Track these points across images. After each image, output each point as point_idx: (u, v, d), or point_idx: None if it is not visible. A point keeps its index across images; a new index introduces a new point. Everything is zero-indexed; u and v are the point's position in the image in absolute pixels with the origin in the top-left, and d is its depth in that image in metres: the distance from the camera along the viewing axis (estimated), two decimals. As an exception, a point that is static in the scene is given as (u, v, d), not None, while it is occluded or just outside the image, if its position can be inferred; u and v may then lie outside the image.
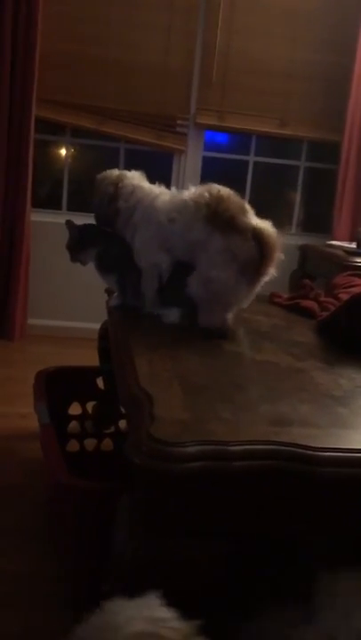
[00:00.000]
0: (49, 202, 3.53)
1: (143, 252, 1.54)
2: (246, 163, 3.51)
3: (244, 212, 1.45)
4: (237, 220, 1.42)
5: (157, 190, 1.57)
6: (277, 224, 1.47)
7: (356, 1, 3.22)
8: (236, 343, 1.41)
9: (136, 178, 1.59)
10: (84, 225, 1.64)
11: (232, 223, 1.42)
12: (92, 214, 1.64)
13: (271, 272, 1.44)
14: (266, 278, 1.45)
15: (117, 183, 1.57)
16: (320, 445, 0.86)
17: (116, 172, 1.62)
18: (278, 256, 1.43)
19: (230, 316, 1.50)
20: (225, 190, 1.47)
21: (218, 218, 1.42)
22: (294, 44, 3.30)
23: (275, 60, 3.29)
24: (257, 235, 1.42)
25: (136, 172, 1.62)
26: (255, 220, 1.45)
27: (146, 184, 1.60)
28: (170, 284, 1.52)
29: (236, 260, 1.41)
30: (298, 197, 3.56)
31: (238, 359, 1.29)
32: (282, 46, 3.29)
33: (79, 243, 1.62)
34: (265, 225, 1.44)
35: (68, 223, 1.63)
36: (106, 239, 1.61)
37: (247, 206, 1.47)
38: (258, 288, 1.48)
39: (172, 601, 0.88)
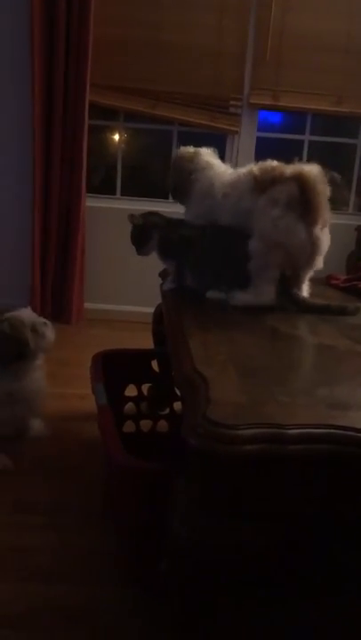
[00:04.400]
0: (103, 187, 3.56)
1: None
2: (301, 142, 3.43)
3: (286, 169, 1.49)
4: (279, 176, 1.47)
5: (223, 167, 1.70)
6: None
7: None
8: (291, 325, 1.39)
9: (208, 155, 1.73)
10: (144, 215, 1.66)
11: (274, 180, 1.47)
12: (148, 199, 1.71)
13: (321, 211, 1.45)
14: (319, 219, 1.45)
15: (193, 159, 1.70)
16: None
17: (191, 149, 1.75)
18: (323, 191, 1.45)
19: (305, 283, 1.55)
20: (275, 163, 1.53)
21: (262, 183, 1.49)
22: (351, 18, 3.19)
23: (331, 36, 3.20)
24: (296, 177, 1.44)
25: (208, 149, 1.75)
26: (296, 167, 1.48)
27: (216, 161, 1.72)
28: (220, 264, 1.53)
29: (278, 204, 1.44)
30: (355, 177, 3.47)
31: (295, 342, 1.28)
32: (338, 21, 3.19)
33: (142, 235, 1.65)
34: (305, 167, 1.46)
35: (131, 217, 1.65)
36: (165, 225, 1.64)
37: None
38: (318, 230, 1.46)
39: (223, 582, 0.89)
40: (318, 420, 0.87)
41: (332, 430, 0.85)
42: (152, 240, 1.63)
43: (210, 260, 1.55)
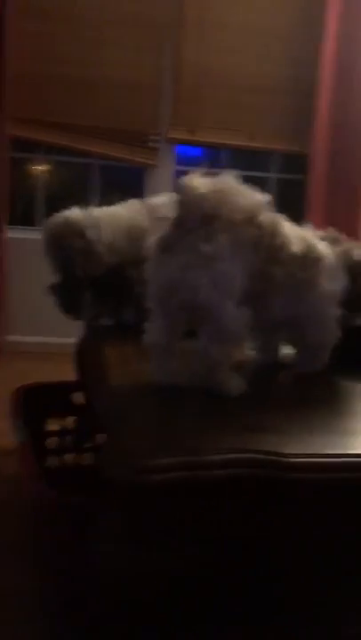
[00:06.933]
0: (25, 219, 3.54)
1: None
2: (218, 175, 3.55)
3: None
4: None
5: None
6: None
7: (318, 19, 3.31)
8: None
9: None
10: (64, 280, 1.61)
11: None
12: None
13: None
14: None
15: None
16: (291, 452, 0.89)
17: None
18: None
19: None
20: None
21: None
22: (261, 60, 3.37)
23: (243, 75, 3.36)
24: None
25: None
26: None
27: None
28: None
29: None
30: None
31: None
32: (250, 61, 3.36)
33: (69, 298, 1.61)
34: None
35: (50, 288, 1.61)
36: (95, 279, 1.61)
37: None
38: None
39: (155, 608, 0.90)
40: (235, 445, 0.90)
41: (248, 455, 0.88)
42: (83, 302, 1.60)
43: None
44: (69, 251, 1.54)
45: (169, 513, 0.85)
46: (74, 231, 1.56)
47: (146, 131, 3.37)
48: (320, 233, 1.29)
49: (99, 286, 1.59)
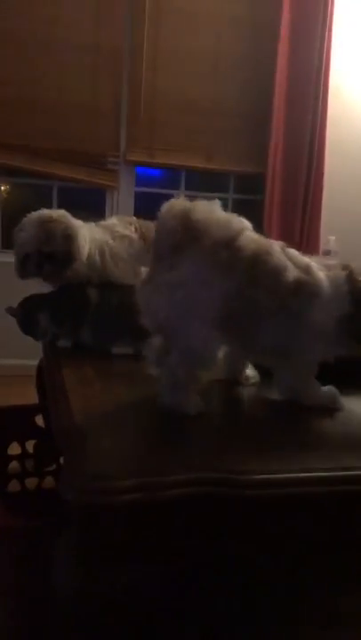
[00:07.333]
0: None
1: None
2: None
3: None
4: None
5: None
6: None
7: (271, 45, 3.41)
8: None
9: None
10: (21, 303, 1.63)
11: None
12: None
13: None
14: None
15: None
16: (246, 469, 0.90)
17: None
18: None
19: None
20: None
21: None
22: (216, 83, 3.46)
23: (198, 98, 3.44)
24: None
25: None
26: None
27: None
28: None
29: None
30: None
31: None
32: (205, 85, 3.44)
33: (29, 323, 1.61)
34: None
35: (9, 309, 1.61)
36: (53, 299, 1.62)
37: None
38: None
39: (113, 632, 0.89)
40: (193, 464, 0.91)
41: (204, 474, 0.89)
42: (41, 322, 1.58)
43: (110, 316, 1.55)
44: (54, 236, 1.58)
45: (127, 534, 0.85)
46: (65, 226, 1.60)
47: (105, 153, 3.40)
48: (330, 262, 1.22)
49: (56, 306, 1.59)
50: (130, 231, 1.74)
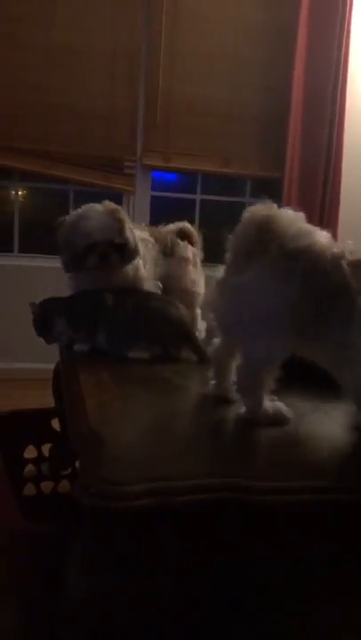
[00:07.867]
0: (1, 245, 3.54)
1: None
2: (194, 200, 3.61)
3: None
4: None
5: None
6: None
7: (288, 50, 3.40)
8: (186, 376, 1.44)
9: None
10: (41, 303, 1.62)
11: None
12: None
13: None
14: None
15: None
16: (260, 475, 0.90)
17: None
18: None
19: None
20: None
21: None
22: (233, 87, 3.45)
23: (215, 103, 3.44)
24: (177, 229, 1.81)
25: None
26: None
27: None
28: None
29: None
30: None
31: (188, 394, 1.33)
32: (222, 89, 3.44)
33: (44, 324, 1.60)
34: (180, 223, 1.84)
35: (32, 305, 1.61)
36: (71, 303, 1.62)
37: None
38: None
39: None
40: (206, 470, 0.91)
41: (217, 480, 0.89)
42: (56, 326, 1.58)
43: (127, 320, 1.55)
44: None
45: (140, 540, 0.85)
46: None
47: (122, 157, 3.41)
48: None
49: (74, 310, 1.59)
50: (146, 235, 1.74)
